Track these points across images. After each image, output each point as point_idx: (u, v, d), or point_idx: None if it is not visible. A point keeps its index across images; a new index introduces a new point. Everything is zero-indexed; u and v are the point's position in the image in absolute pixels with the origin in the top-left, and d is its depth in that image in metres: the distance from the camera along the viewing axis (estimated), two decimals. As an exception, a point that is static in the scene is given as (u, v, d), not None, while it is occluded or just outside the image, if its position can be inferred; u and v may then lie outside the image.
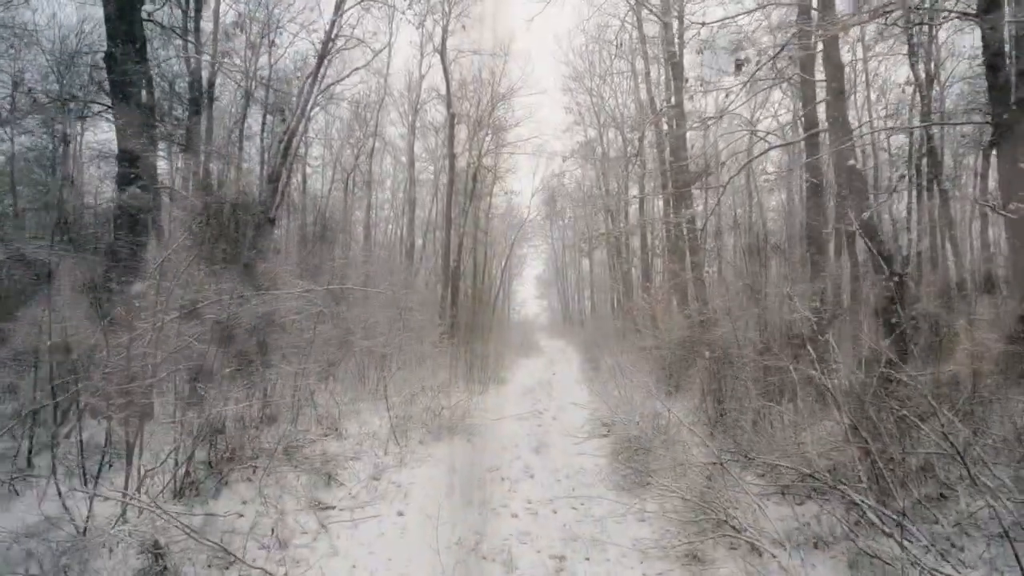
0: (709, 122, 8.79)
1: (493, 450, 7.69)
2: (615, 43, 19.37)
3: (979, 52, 11.80)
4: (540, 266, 52.46)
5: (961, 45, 16.99)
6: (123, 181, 9.05)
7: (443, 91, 21.01)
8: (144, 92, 13.44)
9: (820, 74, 9.77)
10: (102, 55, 9.64)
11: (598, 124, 21.80)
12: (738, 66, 7.16)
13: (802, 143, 10.68)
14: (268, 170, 17.30)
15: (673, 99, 13.33)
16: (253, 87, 19.47)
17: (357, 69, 19.00)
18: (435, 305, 20.71)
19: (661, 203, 20.71)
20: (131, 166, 9.00)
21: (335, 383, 11.50)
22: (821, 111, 9.71)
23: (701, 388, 8.29)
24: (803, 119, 10.57)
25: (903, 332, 7.47)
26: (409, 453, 7.21)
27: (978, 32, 7.61)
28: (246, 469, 6.31)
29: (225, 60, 16.12)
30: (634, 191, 22.42)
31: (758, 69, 7.03)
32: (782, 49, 6.96)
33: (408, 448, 7.46)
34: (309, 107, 19.41)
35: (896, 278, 8.01)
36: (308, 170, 25.90)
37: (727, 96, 9.85)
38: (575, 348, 27.46)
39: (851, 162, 8.70)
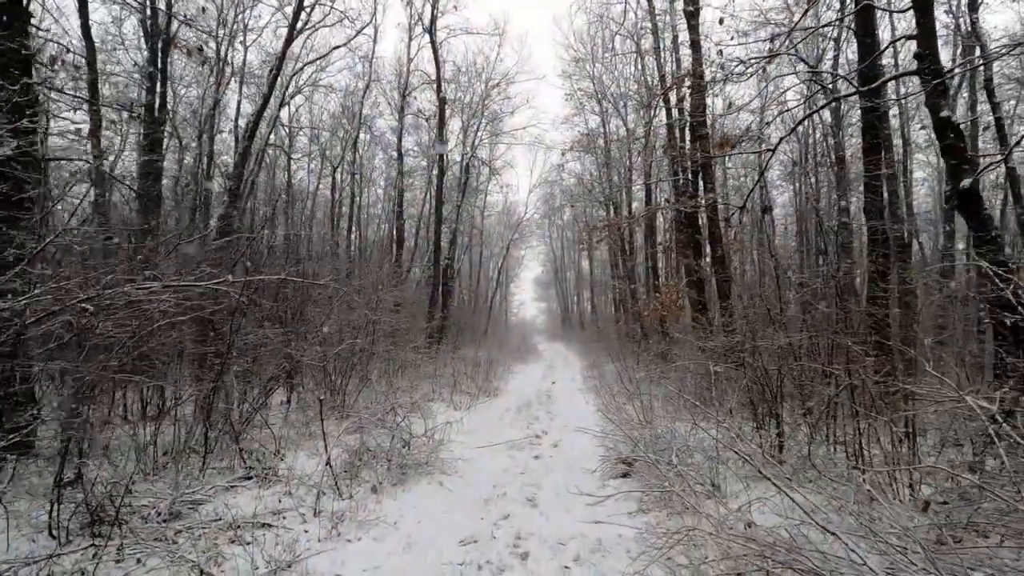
0: (755, 64, 6.47)
1: (473, 502, 5.33)
2: (621, 21, 17.07)
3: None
4: (538, 268, 50.26)
5: (992, 25, 14.65)
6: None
7: (433, 75, 18.68)
8: (84, 60, 11.23)
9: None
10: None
11: (600, 111, 19.49)
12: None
13: (856, 97, 8.38)
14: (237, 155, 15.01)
15: (691, 64, 11.04)
16: (229, 58, 17.21)
17: (337, 47, 16.73)
18: (425, 306, 18.40)
19: (667, 196, 18.41)
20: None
21: (303, 395, 9.20)
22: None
23: (755, 412, 5.94)
24: (859, 73, 8.28)
25: None
26: (352, 512, 4.85)
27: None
28: (91, 547, 3.98)
29: (186, 26, 13.86)
30: (639, 184, 20.19)
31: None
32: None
33: (355, 501, 5.10)
34: (287, 85, 17.12)
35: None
36: (293, 166, 23.69)
37: (772, 41, 7.58)
38: (575, 352, 25.10)
39: (944, 113, 6.39)
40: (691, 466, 5.52)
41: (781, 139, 6.81)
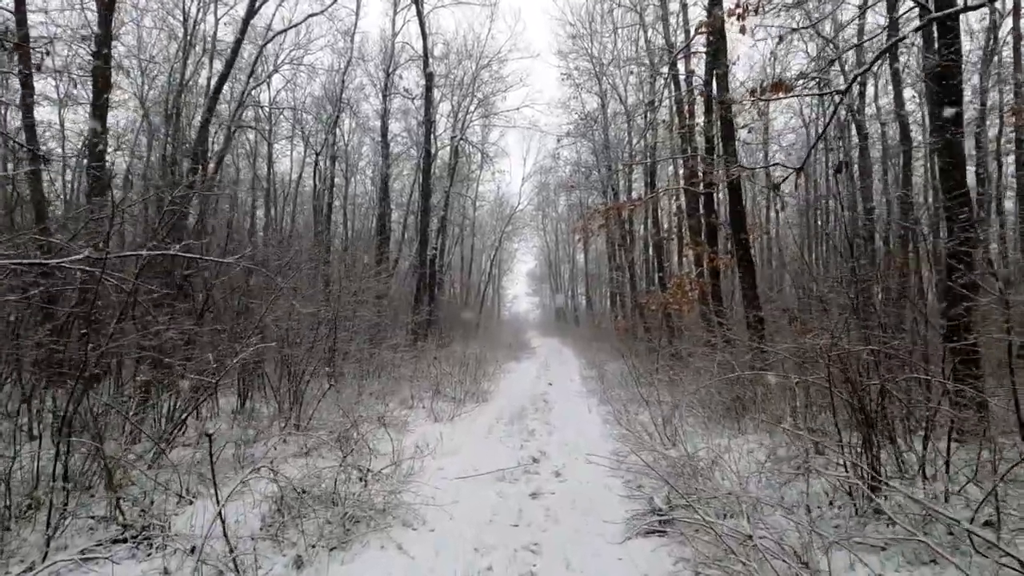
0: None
1: (442, 583, 3.48)
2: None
3: None
4: (531, 261, 48.35)
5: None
6: None
7: (420, 49, 16.73)
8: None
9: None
10: None
11: (599, 91, 17.59)
12: None
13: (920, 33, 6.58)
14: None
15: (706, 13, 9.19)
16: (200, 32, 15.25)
17: (313, 15, 14.75)
18: (411, 300, 16.53)
19: (671, 181, 16.62)
20: None
21: (256, 404, 7.38)
22: None
23: (840, 442, 4.09)
24: None
25: None
26: (250, 612, 3.00)
27: None
28: None
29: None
30: (638, 173, 18.40)
31: None
32: None
33: (262, 586, 3.24)
34: (258, 57, 15.10)
35: None
36: (276, 147, 21.81)
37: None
38: (571, 349, 23.29)
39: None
40: (758, 520, 3.69)
41: (856, 76, 4.97)
